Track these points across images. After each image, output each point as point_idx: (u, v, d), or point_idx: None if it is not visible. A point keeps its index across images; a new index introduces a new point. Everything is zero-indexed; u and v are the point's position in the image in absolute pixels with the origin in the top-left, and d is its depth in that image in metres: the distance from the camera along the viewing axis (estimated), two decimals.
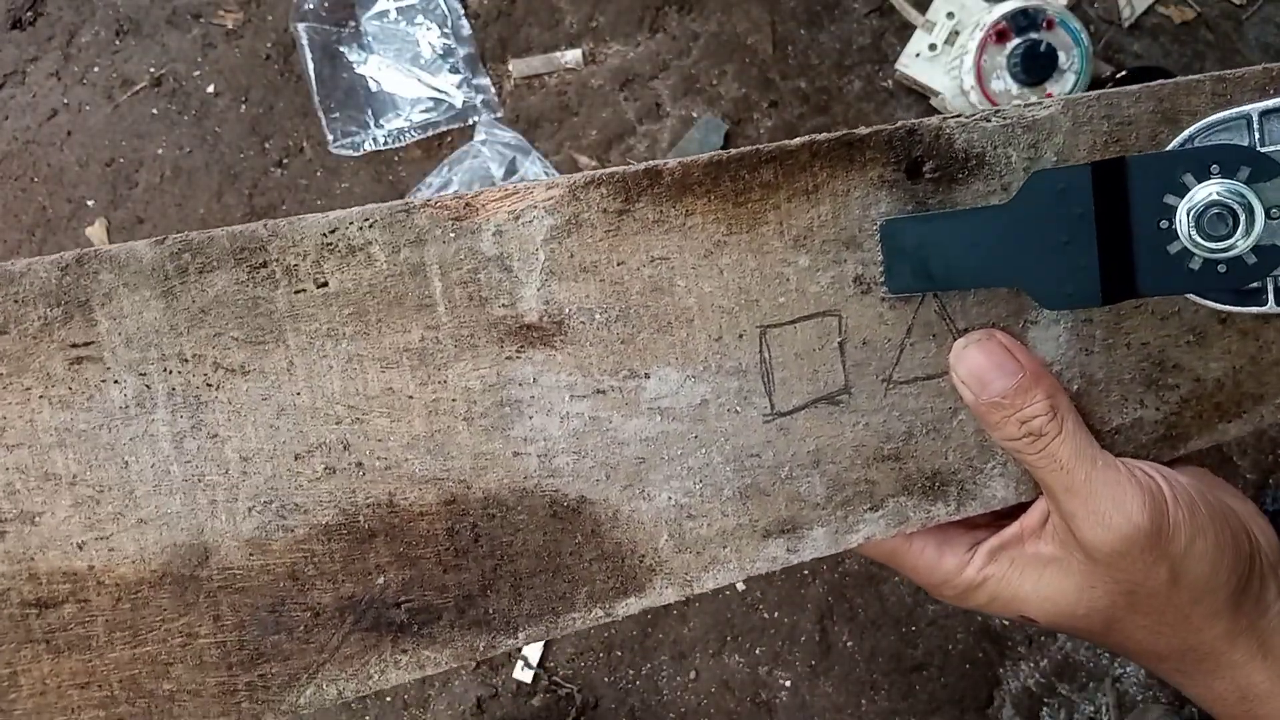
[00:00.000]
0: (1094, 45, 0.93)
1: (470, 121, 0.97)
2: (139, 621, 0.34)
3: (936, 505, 0.41)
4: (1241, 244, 0.32)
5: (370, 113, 0.97)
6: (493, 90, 0.97)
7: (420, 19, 0.98)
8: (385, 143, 0.96)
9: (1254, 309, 0.37)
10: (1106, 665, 0.95)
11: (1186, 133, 0.36)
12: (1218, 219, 0.31)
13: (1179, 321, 0.41)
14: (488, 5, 0.99)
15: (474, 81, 0.97)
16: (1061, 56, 0.92)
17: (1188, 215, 0.32)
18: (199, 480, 0.33)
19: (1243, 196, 0.31)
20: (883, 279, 0.38)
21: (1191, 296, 0.36)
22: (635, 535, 0.38)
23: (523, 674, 0.91)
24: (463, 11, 0.98)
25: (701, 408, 0.38)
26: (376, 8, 0.98)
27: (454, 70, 0.97)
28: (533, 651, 0.91)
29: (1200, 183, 0.32)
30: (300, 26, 0.96)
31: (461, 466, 0.35)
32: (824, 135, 0.35)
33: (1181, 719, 0.90)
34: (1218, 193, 0.32)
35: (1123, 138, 0.38)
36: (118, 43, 0.98)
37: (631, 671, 0.92)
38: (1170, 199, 0.33)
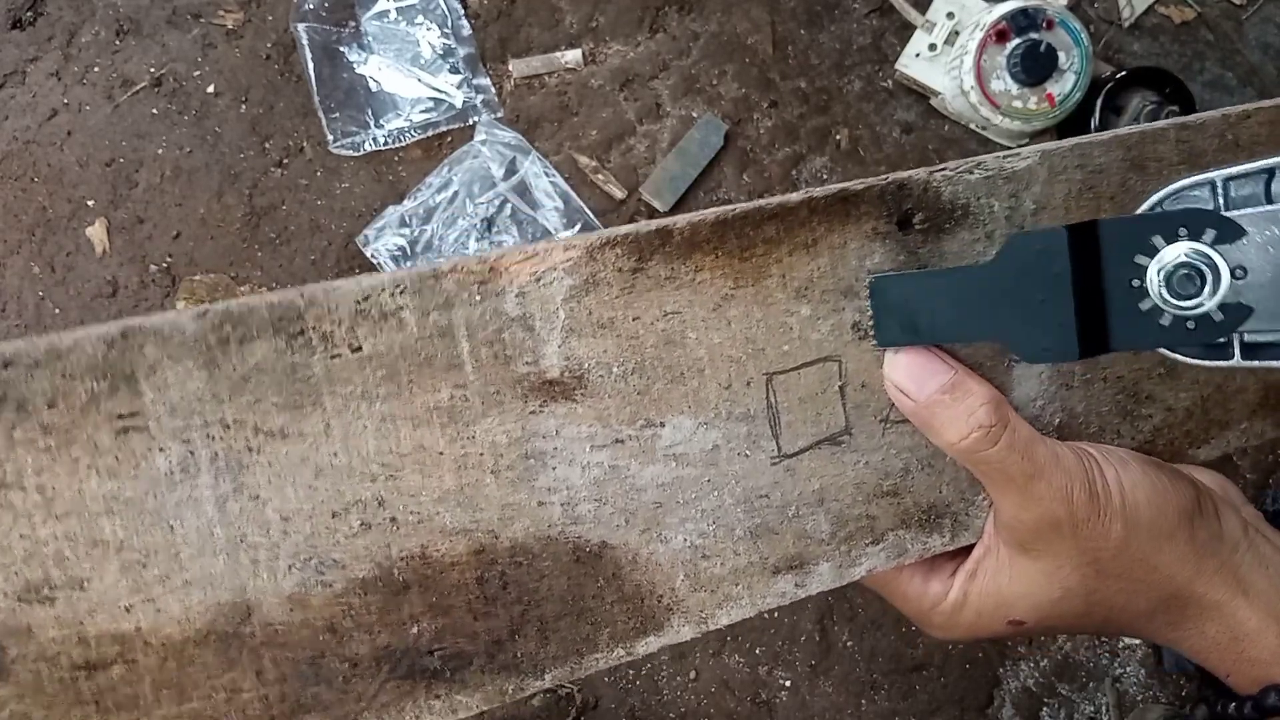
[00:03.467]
0: (1094, 45, 0.93)
1: (470, 121, 0.96)
2: (185, 679, 0.35)
3: (932, 537, 0.43)
4: (1209, 302, 0.33)
5: (370, 113, 0.96)
6: (493, 90, 0.97)
7: (420, 19, 0.97)
8: (385, 143, 0.96)
9: (1221, 362, 0.38)
10: (1106, 665, 0.94)
11: (1157, 196, 0.38)
12: (1186, 279, 0.33)
13: (1152, 355, 0.43)
14: (488, 5, 0.98)
15: (474, 81, 0.97)
16: (1061, 56, 0.91)
17: (1158, 275, 0.34)
18: (241, 541, 0.34)
19: (1209, 258, 0.33)
20: (873, 332, 0.40)
21: (1163, 350, 0.38)
22: (654, 577, 0.40)
23: None
24: (463, 11, 0.97)
25: (713, 453, 0.40)
26: (376, 8, 0.97)
27: (454, 70, 0.97)
28: None
29: (1169, 244, 0.34)
30: (300, 26, 0.96)
31: (490, 517, 0.37)
32: (821, 191, 0.37)
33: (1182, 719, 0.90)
34: (1186, 254, 0.33)
35: (1095, 185, 0.40)
36: (118, 43, 0.97)
37: (631, 671, 0.92)
38: (1141, 259, 0.35)
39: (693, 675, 0.92)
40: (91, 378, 0.32)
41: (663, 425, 0.39)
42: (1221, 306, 0.33)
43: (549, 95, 0.98)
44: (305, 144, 0.96)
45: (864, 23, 1.00)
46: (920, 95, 1.00)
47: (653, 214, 0.96)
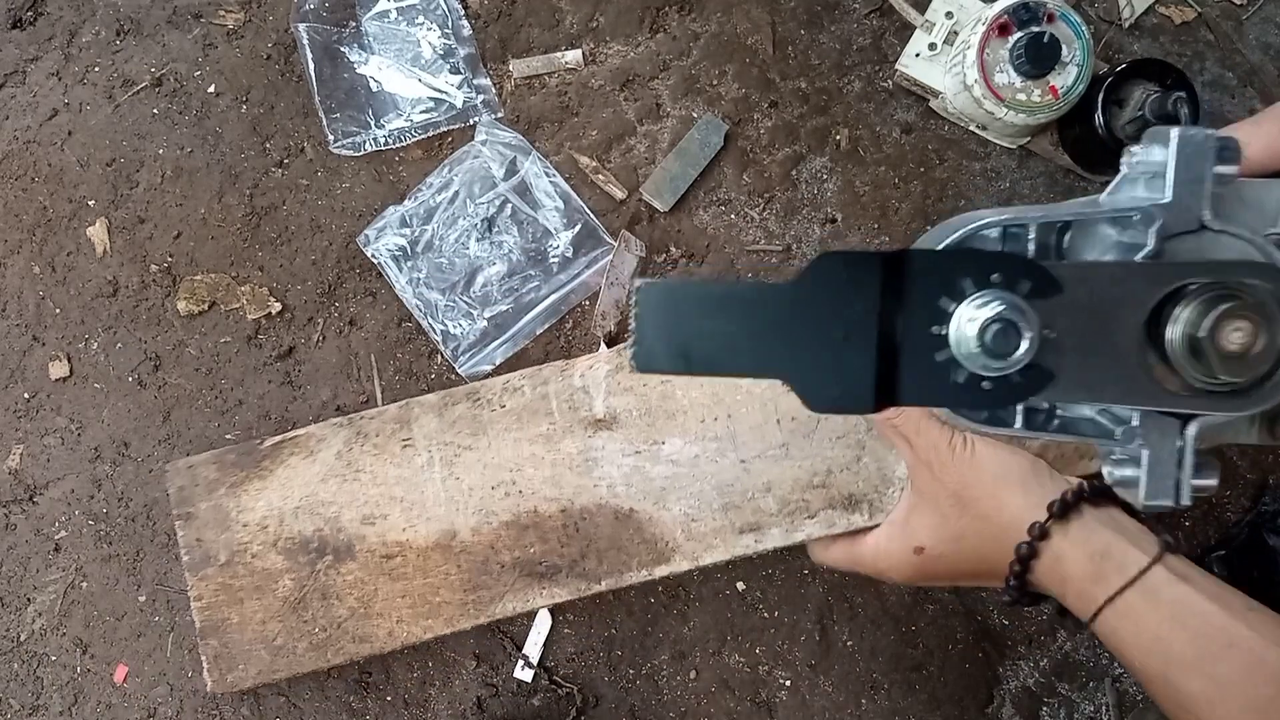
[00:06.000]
0: (1094, 45, 0.91)
1: (471, 121, 0.96)
2: (428, 566, 0.76)
3: (854, 515, 0.68)
4: (1015, 364, 0.29)
5: (371, 113, 0.96)
6: (493, 90, 0.96)
7: (421, 19, 0.96)
8: (386, 143, 0.95)
9: (1003, 430, 0.34)
10: (1106, 665, 0.93)
11: (958, 233, 0.32)
12: (1002, 334, 0.29)
13: None
14: (488, 5, 0.97)
15: (474, 81, 0.96)
16: (1064, 49, 0.90)
17: (968, 324, 0.29)
18: (451, 500, 0.76)
19: (1021, 312, 0.29)
20: (631, 350, 0.35)
21: (944, 414, 0.33)
22: (662, 531, 0.75)
23: (523, 673, 0.90)
24: (463, 12, 0.97)
25: (696, 459, 0.72)
26: (377, 8, 0.97)
27: (454, 70, 0.96)
28: (533, 650, 0.89)
29: (978, 290, 0.29)
30: (301, 26, 0.95)
31: (568, 493, 0.72)
32: None
33: None
34: (998, 307, 0.29)
35: None
36: (118, 43, 0.97)
37: (631, 671, 0.91)
38: (945, 302, 0.30)
39: (693, 675, 0.91)
40: (393, 423, 0.78)
41: (664, 443, 0.73)
42: (1024, 369, 0.29)
43: (549, 95, 0.97)
44: (306, 144, 0.96)
45: (864, 23, 0.99)
46: (920, 96, 0.98)
47: (653, 214, 0.95)
